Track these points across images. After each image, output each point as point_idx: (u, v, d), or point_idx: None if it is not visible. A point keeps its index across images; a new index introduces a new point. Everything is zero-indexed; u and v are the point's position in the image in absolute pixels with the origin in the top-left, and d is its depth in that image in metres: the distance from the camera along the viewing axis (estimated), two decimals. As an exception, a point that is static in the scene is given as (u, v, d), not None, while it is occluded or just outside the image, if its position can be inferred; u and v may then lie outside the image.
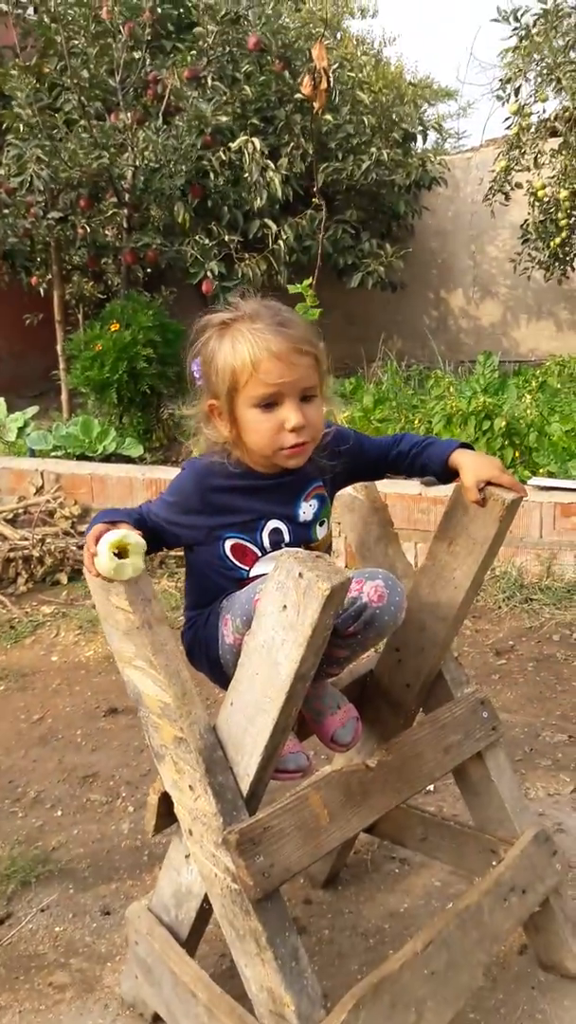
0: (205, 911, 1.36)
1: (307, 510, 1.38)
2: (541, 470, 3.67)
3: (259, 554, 1.34)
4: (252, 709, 1.18)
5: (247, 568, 1.35)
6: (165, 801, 1.33)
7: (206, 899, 1.31)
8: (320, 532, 1.40)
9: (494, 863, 1.48)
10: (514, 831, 1.51)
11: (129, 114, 5.10)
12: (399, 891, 1.80)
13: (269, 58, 5.74)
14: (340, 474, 1.42)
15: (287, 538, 1.36)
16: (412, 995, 1.23)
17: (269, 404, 1.28)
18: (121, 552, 1.18)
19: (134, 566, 1.19)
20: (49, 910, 1.82)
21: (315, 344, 1.31)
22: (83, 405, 5.39)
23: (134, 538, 1.20)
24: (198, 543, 1.37)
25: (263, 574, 1.31)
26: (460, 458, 1.38)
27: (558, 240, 5.93)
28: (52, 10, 5.04)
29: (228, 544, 1.34)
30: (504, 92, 5.80)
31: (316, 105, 3.79)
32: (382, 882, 1.83)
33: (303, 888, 1.81)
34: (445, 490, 1.43)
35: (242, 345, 1.27)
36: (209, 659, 1.38)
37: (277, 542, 1.35)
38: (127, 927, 1.47)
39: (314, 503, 1.38)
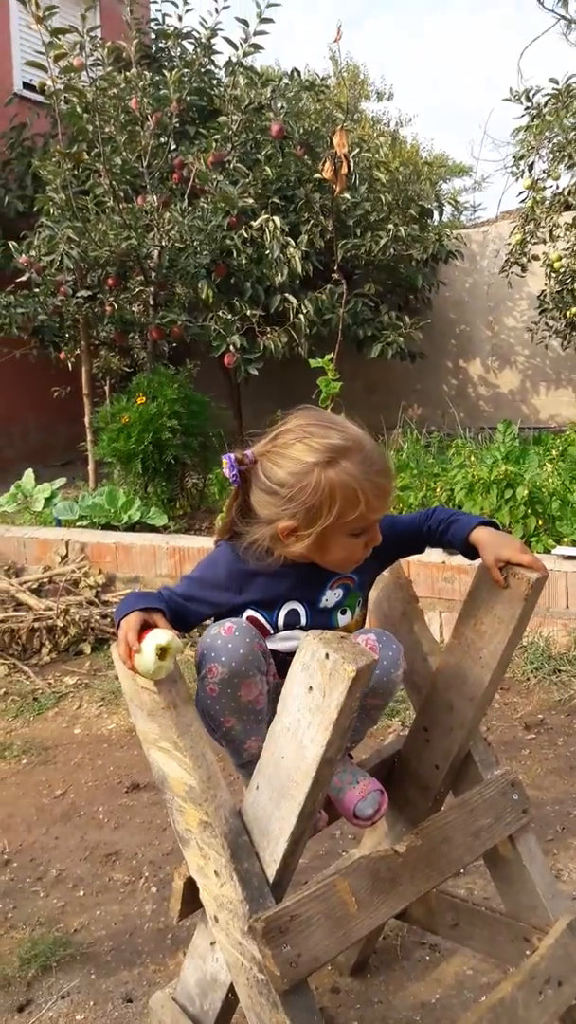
0: (231, 1001, 1.33)
1: (330, 597, 1.38)
2: (565, 539, 3.66)
3: (271, 631, 1.36)
4: (278, 793, 1.17)
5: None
6: (190, 886, 1.31)
7: (232, 989, 1.28)
8: (342, 620, 1.40)
9: (528, 952, 1.44)
10: (548, 918, 1.46)
11: (156, 197, 5.30)
12: (430, 980, 1.74)
13: (290, 143, 5.98)
14: (373, 562, 1.41)
15: (303, 621, 1.37)
16: None
17: (362, 530, 1.32)
18: (161, 654, 1.19)
19: (167, 668, 1.20)
20: (70, 996, 1.77)
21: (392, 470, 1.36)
22: (109, 475, 5.48)
23: (177, 643, 1.21)
24: (219, 617, 1.38)
25: (272, 649, 1.35)
26: (480, 537, 1.40)
27: (575, 310, 6.03)
28: (83, 101, 5.29)
29: (246, 614, 1.36)
30: (517, 168, 6.00)
31: (337, 189, 3.94)
32: (412, 970, 1.77)
33: (330, 975, 1.76)
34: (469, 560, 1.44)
35: (357, 484, 1.26)
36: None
37: (292, 623, 1.36)
38: (151, 1018, 1.43)
39: (339, 591, 1.39)
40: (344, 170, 3.77)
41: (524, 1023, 1.33)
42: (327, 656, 1.09)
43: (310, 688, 1.12)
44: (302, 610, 1.37)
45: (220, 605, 1.37)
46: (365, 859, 1.28)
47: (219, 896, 1.21)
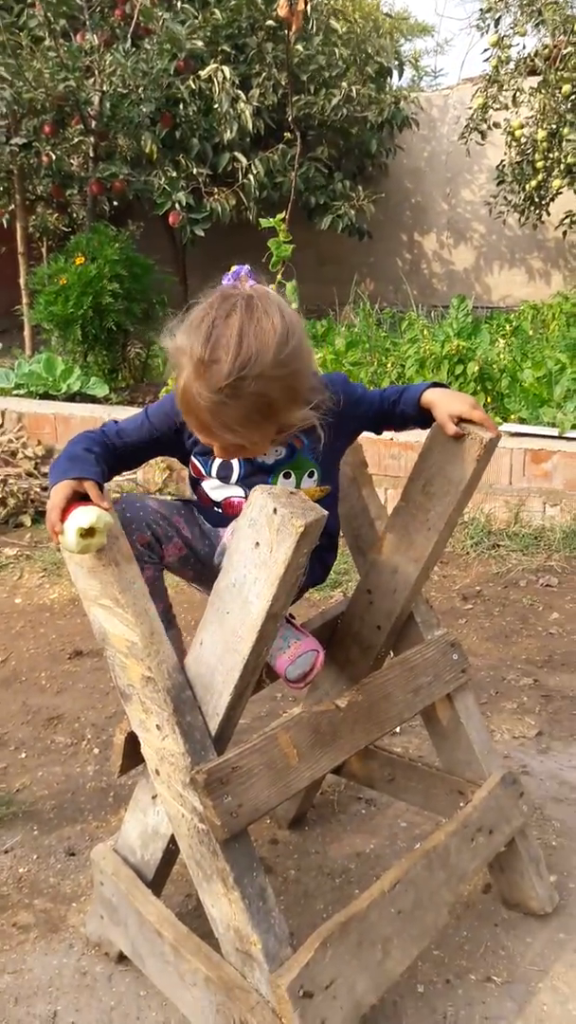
0: (171, 852, 1.35)
1: (269, 453, 1.30)
2: (512, 416, 3.65)
3: (206, 475, 1.34)
4: (222, 648, 1.15)
5: (199, 480, 1.36)
6: (131, 741, 1.30)
7: (173, 840, 1.30)
8: (283, 483, 1.32)
9: (462, 804, 1.48)
10: (482, 773, 1.51)
11: (96, 35, 4.86)
12: (365, 832, 1.80)
13: (242, -20, 5.50)
14: (330, 430, 1.31)
15: (235, 476, 1.32)
16: (379, 933, 1.23)
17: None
18: (89, 532, 1.12)
19: (99, 543, 1.14)
20: (13, 851, 1.80)
21: (251, 426, 1.15)
22: (46, 342, 5.24)
23: (104, 520, 1.13)
24: (172, 452, 1.36)
25: (206, 492, 1.35)
26: (432, 396, 1.35)
27: (534, 183, 5.83)
28: None
29: (191, 458, 1.35)
30: (483, 23, 5.64)
31: (292, 28, 3.63)
32: (348, 823, 1.83)
33: (269, 828, 1.81)
34: (415, 435, 1.40)
35: (183, 392, 1.15)
36: None
37: (226, 477, 1.32)
38: (92, 868, 1.45)
39: (280, 450, 1.31)
40: (300, 6, 3.47)
41: (455, 868, 1.38)
42: (275, 511, 1.04)
43: (257, 544, 1.07)
44: (235, 463, 1.31)
45: (174, 440, 1.33)
46: (307, 713, 1.28)
47: (161, 749, 1.20)
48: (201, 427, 1.18)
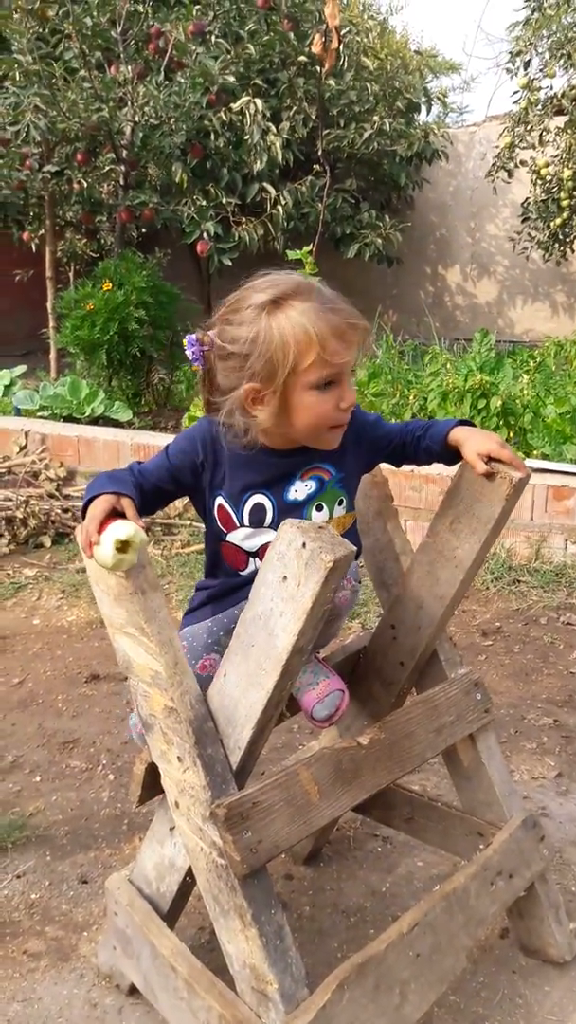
0: (187, 885, 1.33)
1: (300, 489, 1.30)
2: (535, 452, 3.64)
3: (237, 524, 1.31)
4: (246, 681, 1.14)
5: (226, 532, 1.32)
6: (151, 772, 1.29)
7: (189, 872, 1.29)
8: (316, 516, 1.32)
9: (481, 847, 1.46)
10: (502, 815, 1.48)
11: (130, 67, 4.96)
12: (381, 870, 1.78)
13: (276, 17, 5.60)
14: (353, 457, 1.34)
15: (269, 518, 1.30)
16: (396, 977, 1.21)
17: (328, 384, 1.22)
18: (123, 547, 1.13)
19: (131, 561, 1.14)
20: (25, 876, 1.78)
21: (362, 317, 1.26)
22: (72, 365, 5.30)
23: (141, 536, 1.13)
24: (192, 494, 1.34)
25: (236, 545, 1.32)
26: (459, 434, 1.35)
27: (559, 221, 5.87)
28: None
29: (217, 502, 1.31)
30: (513, 65, 5.71)
31: (325, 65, 3.69)
32: (364, 860, 1.81)
33: (284, 863, 1.79)
34: (437, 468, 1.40)
35: (304, 324, 1.18)
36: None
37: (259, 520, 1.30)
38: (106, 898, 1.44)
39: (311, 483, 1.31)
40: (334, 45, 3.53)
41: (474, 912, 1.36)
42: (304, 545, 1.04)
43: (284, 577, 1.07)
44: (268, 504, 1.30)
45: (193, 481, 1.32)
46: (328, 750, 1.27)
47: (181, 781, 1.19)
48: (325, 350, 1.19)
